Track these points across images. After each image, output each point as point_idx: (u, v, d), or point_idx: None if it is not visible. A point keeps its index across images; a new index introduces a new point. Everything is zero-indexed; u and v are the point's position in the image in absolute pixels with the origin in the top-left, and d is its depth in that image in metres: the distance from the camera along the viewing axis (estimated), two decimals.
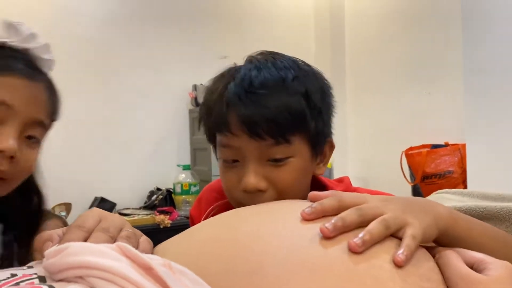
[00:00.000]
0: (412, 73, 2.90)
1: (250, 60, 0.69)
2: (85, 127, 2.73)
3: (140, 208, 2.70)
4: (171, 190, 2.77)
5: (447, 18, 2.68)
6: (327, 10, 3.43)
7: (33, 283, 0.36)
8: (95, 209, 0.49)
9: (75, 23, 2.72)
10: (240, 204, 0.64)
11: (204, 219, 0.78)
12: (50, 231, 0.46)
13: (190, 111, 3.02)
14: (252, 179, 0.61)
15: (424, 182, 2.46)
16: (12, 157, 0.63)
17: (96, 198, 2.57)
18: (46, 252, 0.38)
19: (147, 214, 2.53)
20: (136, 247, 0.44)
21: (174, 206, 2.69)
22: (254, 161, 0.62)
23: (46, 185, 0.81)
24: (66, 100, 2.19)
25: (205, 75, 2.86)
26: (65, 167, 2.57)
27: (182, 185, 2.74)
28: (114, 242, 0.44)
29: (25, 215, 0.74)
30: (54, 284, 0.33)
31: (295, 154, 0.64)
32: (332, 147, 0.72)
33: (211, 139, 0.70)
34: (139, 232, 0.49)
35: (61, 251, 0.34)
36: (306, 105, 0.64)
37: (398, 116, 2.97)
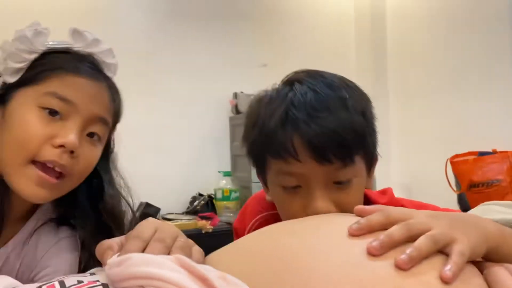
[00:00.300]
0: (457, 77, 2.82)
1: (298, 80, 0.67)
2: (130, 134, 2.82)
3: (183, 213, 2.77)
4: (212, 196, 2.82)
5: (495, 20, 2.59)
6: (368, 15, 3.39)
7: None
8: (150, 219, 0.52)
9: (119, 32, 2.83)
10: None
11: (248, 232, 0.80)
12: (109, 240, 0.50)
13: (231, 118, 3.06)
14: (322, 204, 0.61)
15: (470, 190, 2.38)
16: (72, 152, 0.65)
17: (141, 203, 2.65)
18: (109, 261, 0.41)
19: (189, 219, 2.58)
20: (189, 257, 0.47)
21: (215, 212, 2.74)
22: (321, 185, 0.61)
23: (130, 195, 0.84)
24: None
25: (245, 83, 2.91)
26: None
27: (223, 191, 2.78)
28: (169, 251, 0.46)
29: (91, 220, 0.76)
30: None
31: (357, 174, 0.64)
32: (376, 160, 0.72)
33: (261, 166, 0.69)
34: (191, 242, 0.51)
35: (124, 262, 0.37)
36: (365, 123, 0.64)
37: (443, 123, 2.90)
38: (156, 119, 2.91)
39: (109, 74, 0.76)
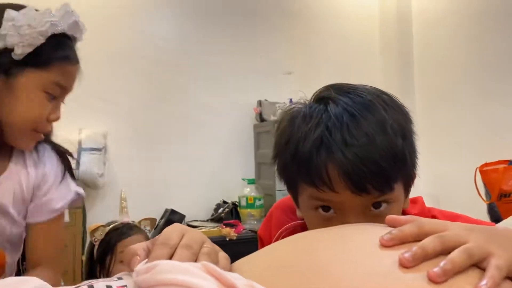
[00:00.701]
0: (487, 84, 2.76)
1: (332, 99, 0.63)
2: (156, 142, 2.87)
3: (207, 221, 2.78)
4: (236, 203, 2.82)
5: None
6: (393, 20, 3.36)
7: None
8: (176, 224, 0.52)
9: (149, 45, 2.88)
10: None
11: (274, 241, 0.79)
12: (136, 246, 0.50)
13: (255, 126, 3.07)
14: None
15: (501, 200, 2.31)
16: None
17: (166, 210, 2.67)
18: (137, 269, 0.41)
19: (214, 227, 2.60)
20: (216, 263, 0.46)
21: (240, 219, 2.74)
22: (357, 214, 0.59)
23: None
24: (139, 117, 2.34)
25: (269, 91, 2.92)
26: (138, 181, 2.71)
27: (247, 199, 2.79)
28: (196, 258, 0.46)
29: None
30: None
31: (396, 200, 0.61)
32: (415, 177, 0.68)
33: (293, 187, 0.67)
34: (217, 248, 0.51)
35: (151, 269, 0.37)
36: (405, 146, 0.60)
37: (471, 130, 2.83)
38: (182, 128, 2.95)
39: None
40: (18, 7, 0.86)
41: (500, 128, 2.66)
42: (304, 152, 0.60)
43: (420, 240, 0.40)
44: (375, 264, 0.38)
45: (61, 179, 0.96)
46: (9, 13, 0.83)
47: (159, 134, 2.88)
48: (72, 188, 0.99)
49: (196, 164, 2.92)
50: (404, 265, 0.38)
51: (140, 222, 1.45)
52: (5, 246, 0.92)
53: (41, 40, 0.83)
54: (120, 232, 1.34)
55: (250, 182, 2.86)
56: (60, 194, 0.96)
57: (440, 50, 3.09)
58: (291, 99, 2.91)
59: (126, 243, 1.29)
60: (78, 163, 2.41)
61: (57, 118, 0.89)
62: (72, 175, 1.00)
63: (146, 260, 0.46)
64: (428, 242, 0.40)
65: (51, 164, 0.96)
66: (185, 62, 2.99)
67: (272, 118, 2.89)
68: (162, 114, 2.89)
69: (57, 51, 0.87)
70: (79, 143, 2.49)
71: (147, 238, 1.33)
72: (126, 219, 1.42)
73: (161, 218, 2.71)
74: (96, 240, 1.35)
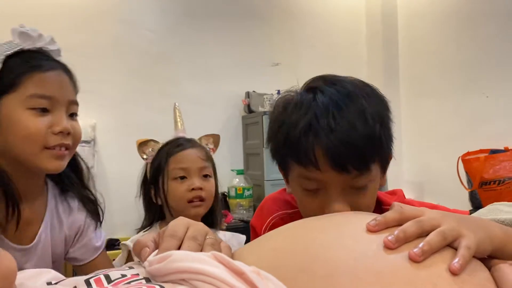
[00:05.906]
0: (469, 75, 2.83)
1: (320, 89, 0.70)
2: (144, 134, 2.87)
3: None
4: (225, 193, 2.86)
5: (507, 17, 2.60)
6: (379, 13, 3.41)
7: (141, 283, 0.43)
8: (181, 218, 0.56)
9: (133, 35, 2.88)
10: None
11: (265, 228, 0.85)
12: (144, 239, 0.54)
13: (243, 118, 3.10)
14: (339, 206, 0.66)
15: (482, 188, 2.40)
16: (68, 134, 0.86)
17: None
18: (150, 259, 0.45)
19: None
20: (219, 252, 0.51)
21: (229, 209, 2.79)
22: (339, 190, 0.67)
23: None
24: (127, 108, 2.36)
25: (257, 82, 2.94)
26: (127, 172, 2.72)
27: (236, 189, 2.83)
28: (202, 248, 0.51)
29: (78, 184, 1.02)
30: (163, 284, 0.40)
31: (373, 179, 0.69)
32: (391, 158, 0.76)
33: (284, 166, 0.74)
34: (219, 238, 0.55)
35: (165, 258, 0.41)
36: (382, 132, 0.68)
37: (454, 120, 2.91)
38: (168, 118, 2.95)
39: (58, 58, 0.91)
40: None
41: (482, 118, 2.74)
42: (294, 136, 0.68)
43: (401, 225, 0.46)
44: (364, 248, 0.44)
45: (94, 227, 1.03)
46: None
47: (148, 125, 2.90)
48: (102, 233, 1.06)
49: None
50: (389, 247, 0.43)
51: (200, 139, 1.21)
52: None
53: None
54: (175, 145, 1.13)
55: (239, 172, 2.90)
56: (96, 235, 1.04)
57: (424, 44, 3.15)
58: (278, 91, 2.94)
59: (181, 157, 1.09)
60: None
61: (63, 129, 0.85)
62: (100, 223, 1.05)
63: (156, 251, 0.50)
64: (408, 226, 0.46)
65: (80, 213, 1.01)
66: (173, 54, 3.00)
67: (260, 109, 2.93)
68: (150, 105, 2.90)
69: (20, 68, 0.83)
70: None
71: (208, 157, 1.15)
72: (181, 134, 1.20)
73: None
74: (146, 158, 1.16)
